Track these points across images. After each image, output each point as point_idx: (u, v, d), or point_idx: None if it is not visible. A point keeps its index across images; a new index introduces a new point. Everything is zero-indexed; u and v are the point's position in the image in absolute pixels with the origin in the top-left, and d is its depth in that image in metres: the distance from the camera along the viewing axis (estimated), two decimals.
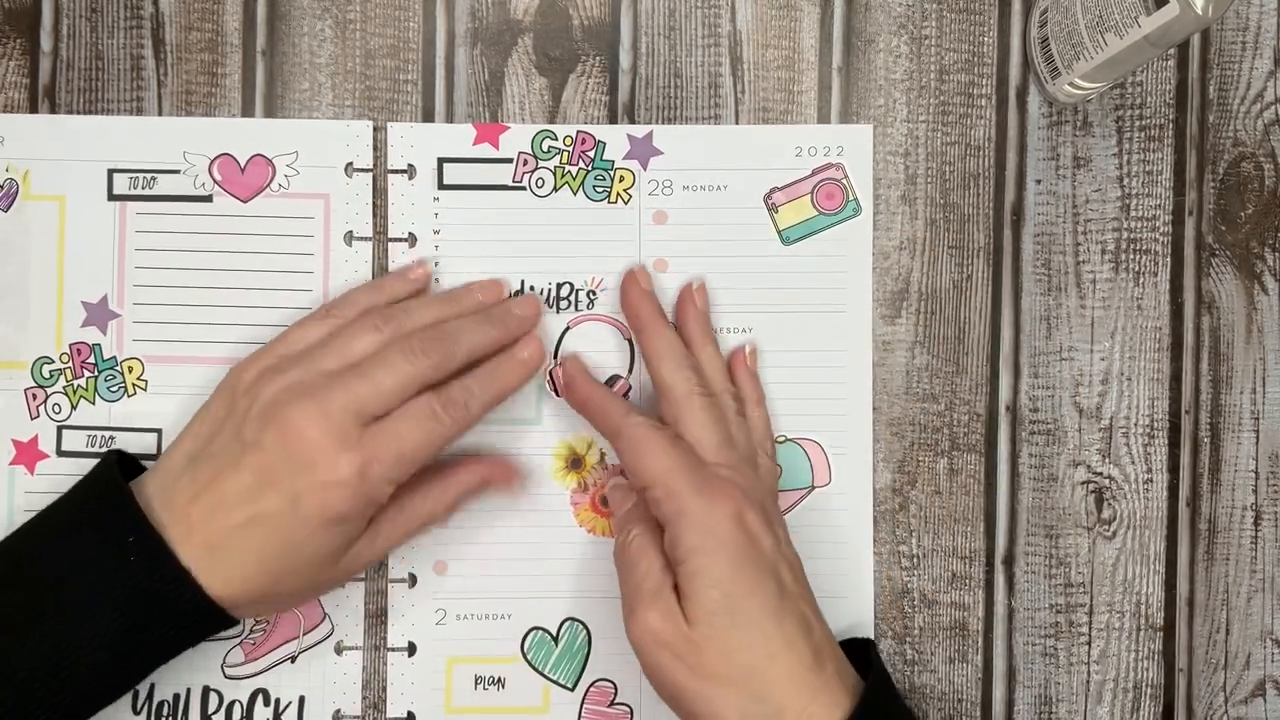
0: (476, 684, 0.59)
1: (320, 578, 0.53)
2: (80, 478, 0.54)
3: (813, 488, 0.59)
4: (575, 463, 0.59)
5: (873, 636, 0.59)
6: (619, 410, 0.55)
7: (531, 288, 0.59)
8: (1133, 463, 0.60)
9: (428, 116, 0.60)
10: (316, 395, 0.51)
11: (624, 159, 0.59)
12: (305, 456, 0.50)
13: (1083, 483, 0.60)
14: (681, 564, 0.50)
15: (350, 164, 0.59)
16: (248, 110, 0.60)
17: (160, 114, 0.59)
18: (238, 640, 0.58)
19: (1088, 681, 0.60)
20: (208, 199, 0.59)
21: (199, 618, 0.51)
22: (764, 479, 0.56)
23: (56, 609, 0.49)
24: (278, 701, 0.59)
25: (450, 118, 0.60)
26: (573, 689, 0.59)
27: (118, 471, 0.52)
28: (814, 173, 0.60)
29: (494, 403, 0.55)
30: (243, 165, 0.59)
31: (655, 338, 0.56)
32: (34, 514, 0.53)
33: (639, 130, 0.59)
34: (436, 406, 0.52)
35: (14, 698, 0.49)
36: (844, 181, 0.60)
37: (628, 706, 0.59)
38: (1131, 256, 0.61)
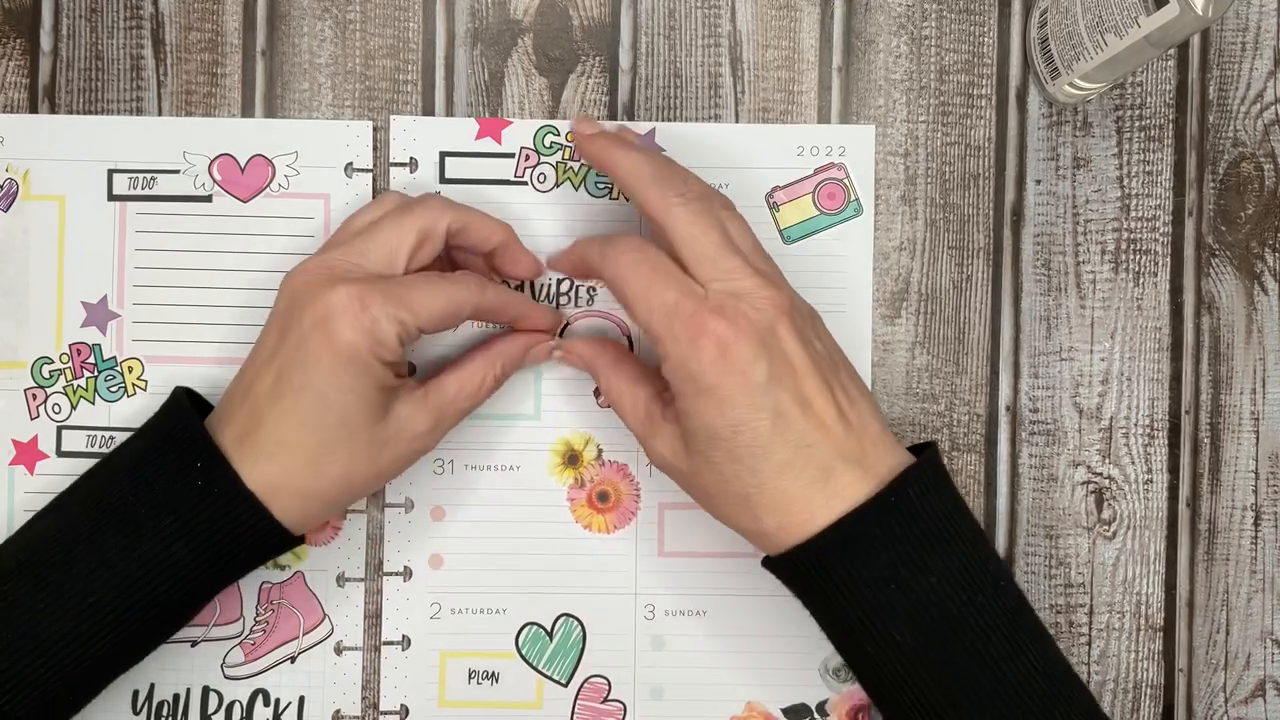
0: (470, 678, 0.59)
1: (368, 449, 0.52)
2: (150, 417, 0.54)
3: None
4: (572, 459, 0.59)
5: None
6: (599, 245, 0.54)
7: (531, 287, 0.59)
8: (1133, 463, 0.60)
9: (428, 116, 0.60)
10: (318, 255, 0.53)
11: None
12: (304, 297, 0.51)
13: (1083, 483, 0.60)
14: (672, 401, 0.51)
15: (350, 164, 0.59)
16: (247, 111, 0.60)
17: (160, 114, 0.59)
18: (237, 640, 0.59)
19: (1088, 682, 0.60)
20: (207, 199, 0.59)
21: (263, 538, 0.52)
22: (772, 264, 0.53)
23: (145, 516, 0.50)
24: (277, 702, 0.59)
25: (451, 117, 0.60)
26: (566, 685, 0.59)
27: (186, 399, 0.53)
28: (816, 172, 0.60)
29: (507, 306, 0.55)
30: (243, 165, 0.59)
31: (620, 159, 0.53)
32: (32, 514, 0.54)
33: (641, 128, 0.59)
34: (455, 276, 0.53)
35: (117, 595, 0.50)
36: (845, 182, 0.60)
37: (621, 703, 0.59)
38: (1131, 257, 0.61)
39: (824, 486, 0.49)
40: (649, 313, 0.50)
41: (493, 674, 0.59)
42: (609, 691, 0.59)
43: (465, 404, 0.55)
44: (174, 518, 0.50)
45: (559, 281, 0.59)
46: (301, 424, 0.50)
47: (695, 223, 0.51)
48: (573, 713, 0.59)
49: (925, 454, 0.51)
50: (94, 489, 0.52)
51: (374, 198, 0.59)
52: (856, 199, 0.60)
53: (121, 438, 0.58)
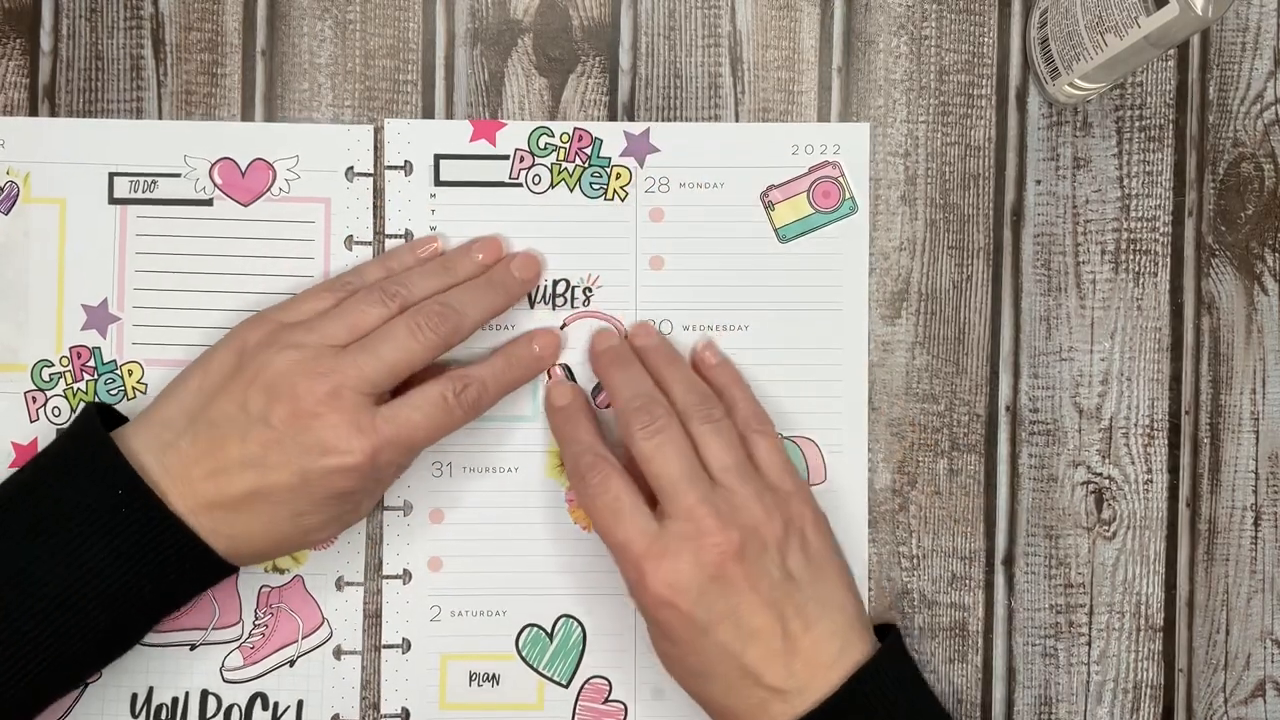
0: (471, 680, 0.59)
1: (323, 535, 0.54)
2: (61, 430, 0.54)
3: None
4: None
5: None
6: (579, 457, 0.55)
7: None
8: (1133, 463, 0.60)
9: (427, 116, 0.60)
10: (328, 375, 0.51)
11: (621, 156, 0.59)
12: (317, 440, 0.51)
13: (1082, 483, 0.60)
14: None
15: (351, 168, 0.59)
16: (247, 110, 0.60)
17: (160, 114, 0.59)
18: (236, 644, 0.58)
19: (1088, 682, 0.60)
20: (208, 202, 0.59)
21: (198, 568, 0.52)
22: (749, 485, 0.54)
23: (50, 559, 0.49)
24: (276, 705, 0.59)
25: (450, 118, 0.60)
26: (567, 686, 0.59)
27: (99, 423, 0.52)
28: (811, 170, 0.60)
29: (505, 394, 0.56)
30: (243, 169, 0.59)
31: (607, 379, 0.57)
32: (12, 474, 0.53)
33: (636, 127, 0.59)
34: (450, 397, 0.53)
35: (14, 651, 0.49)
36: (841, 180, 0.60)
37: (622, 704, 0.59)
38: (1131, 257, 0.61)
39: (768, 709, 0.51)
40: (610, 547, 0.54)
41: (493, 676, 0.59)
42: (610, 692, 0.59)
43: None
44: (101, 540, 0.50)
45: (555, 283, 0.59)
46: (281, 520, 0.52)
47: (654, 458, 0.53)
48: (574, 714, 0.59)
49: (874, 666, 0.52)
50: (8, 512, 0.51)
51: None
52: (851, 197, 0.60)
53: None
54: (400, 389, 0.54)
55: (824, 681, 0.51)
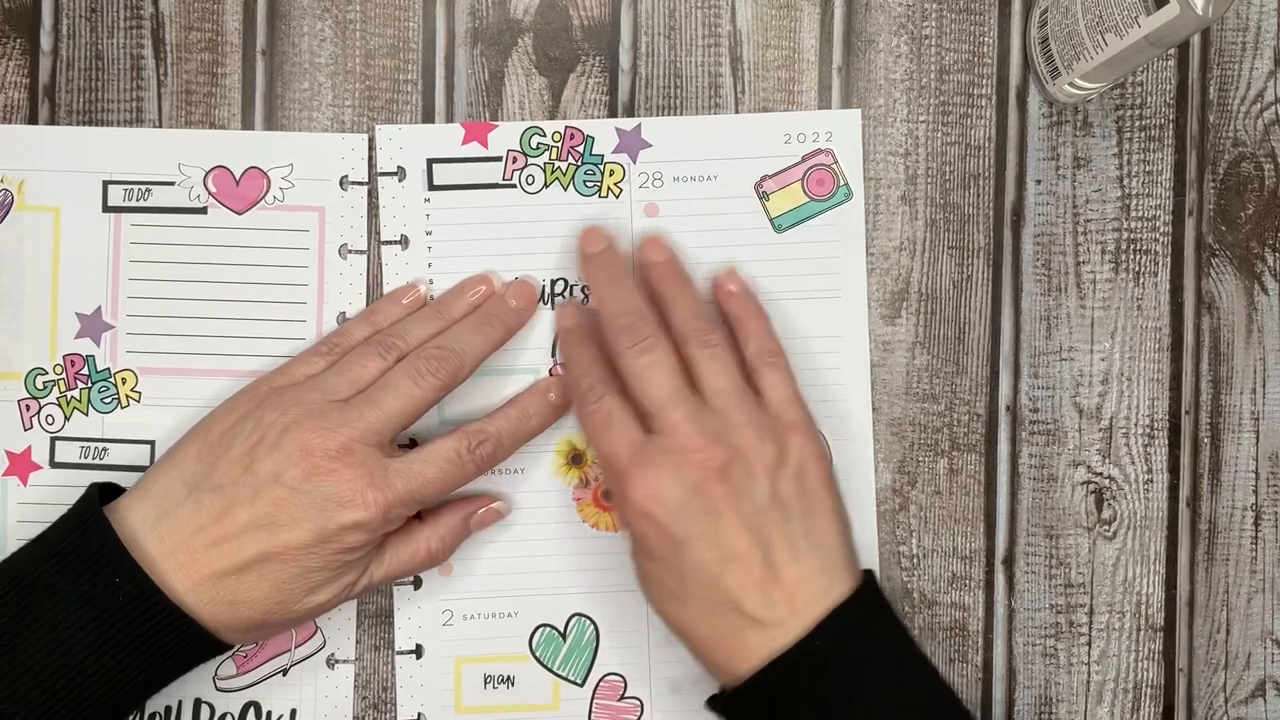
0: (486, 683, 0.59)
1: (324, 598, 0.53)
2: (64, 510, 0.52)
3: None
4: (576, 459, 0.59)
5: None
6: (579, 380, 0.55)
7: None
8: (1133, 463, 0.60)
9: (428, 116, 0.60)
10: (337, 430, 0.51)
11: (613, 153, 0.59)
12: (332, 496, 0.51)
13: (1083, 483, 0.60)
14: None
15: (345, 177, 0.59)
16: (247, 110, 0.60)
17: (160, 114, 0.59)
18: (229, 653, 0.58)
19: (1088, 682, 0.60)
20: (202, 211, 0.59)
21: (192, 651, 0.51)
22: (744, 411, 0.53)
23: (45, 647, 0.49)
24: (269, 714, 0.58)
25: (450, 118, 0.60)
26: (582, 684, 0.59)
27: (99, 506, 0.51)
28: (804, 159, 0.60)
29: (521, 446, 0.56)
30: (238, 177, 0.59)
31: (596, 291, 0.57)
32: (26, 524, 0.53)
33: (627, 124, 0.59)
34: (464, 453, 0.53)
35: (39, 700, 0.48)
36: (834, 167, 0.60)
37: (638, 700, 0.59)
38: (1131, 257, 0.61)
39: (744, 638, 0.51)
40: (600, 460, 0.54)
41: (508, 678, 0.59)
42: (625, 689, 0.59)
43: (398, 575, 0.56)
44: (97, 626, 0.49)
45: (553, 282, 0.59)
46: (286, 583, 0.51)
47: (640, 376, 0.53)
48: (590, 712, 0.59)
49: (856, 600, 0.51)
50: (4, 597, 0.50)
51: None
52: (846, 184, 0.60)
53: (114, 449, 0.58)
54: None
55: (805, 617, 0.50)
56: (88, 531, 0.50)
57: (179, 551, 0.50)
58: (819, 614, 0.50)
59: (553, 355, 0.59)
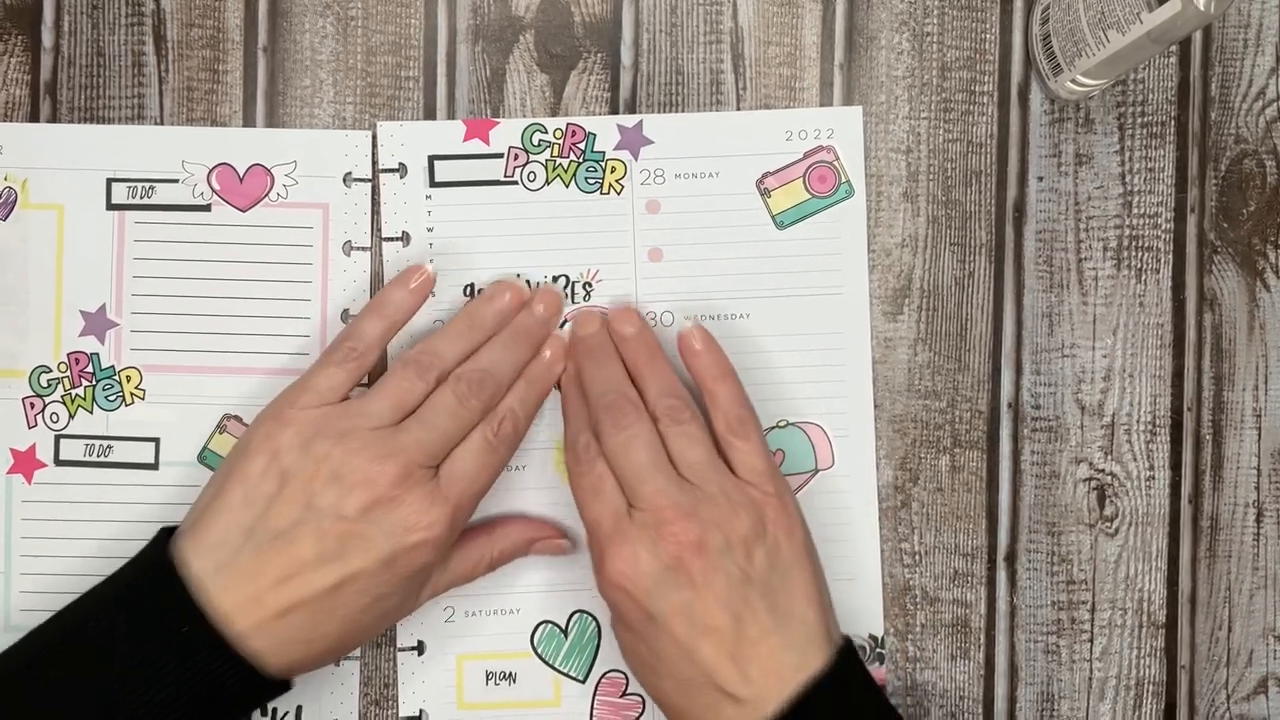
0: (488, 680, 0.59)
1: (398, 616, 0.55)
2: (133, 555, 0.53)
3: (816, 471, 0.59)
4: None
5: (881, 616, 0.59)
6: (577, 435, 0.55)
7: (528, 281, 0.59)
8: (1135, 460, 0.60)
9: (429, 113, 0.60)
10: (395, 455, 0.51)
11: (615, 150, 0.59)
12: (399, 521, 0.51)
13: (1085, 480, 0.60)
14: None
15: (349, 174, 0.59)
16: (249, 107, 0.60)
17: (161, 111, 0.59)
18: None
19: (1090, 678, 0.60)
20: (206, 208, 0.59)
21: (257, 693, 0.51)
22: (717, 483, 0.53)
23: (123, 694, 0.49)
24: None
25: (452, 114, 0.60)
26: (584, 681, 0.59)
27: (169, 554, 0.51)
28: (805, 156, 0.60)
29: (534, 413, 0.57)
30: (241, 175, 0.59)
31: (582, 370, 0.57)
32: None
33: (629, 120, 0.59)
34: (491, 438, 0.54)
35: None
36: (835, 164, 0.60)
37: (640, 697, 0.59)
38: (1133, 253, 0.61)
39: (720, 712, 0.51)
40: (583, 521, 0.54)
41: (510, 674, 0.59)
42: (627, 686, 0.59)
43: (459, 583, 0.56)
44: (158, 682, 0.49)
45: (555, 279, 0.59)
46: (359, 611, 0.52)
47: (618, 452, 0.53)
48: (592, 709, 0.59)
49: (829, 676, 0.51)
50: (67, 649, 0.51)
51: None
52: (847, 181, 0.60)
53: (119, 447, 0.58)
54: None
55: (778, 695, 0.50)
56: (158, 579, 0.51)
57: (244, 598, 0.50)
58: (792, 691, 0.50)
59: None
